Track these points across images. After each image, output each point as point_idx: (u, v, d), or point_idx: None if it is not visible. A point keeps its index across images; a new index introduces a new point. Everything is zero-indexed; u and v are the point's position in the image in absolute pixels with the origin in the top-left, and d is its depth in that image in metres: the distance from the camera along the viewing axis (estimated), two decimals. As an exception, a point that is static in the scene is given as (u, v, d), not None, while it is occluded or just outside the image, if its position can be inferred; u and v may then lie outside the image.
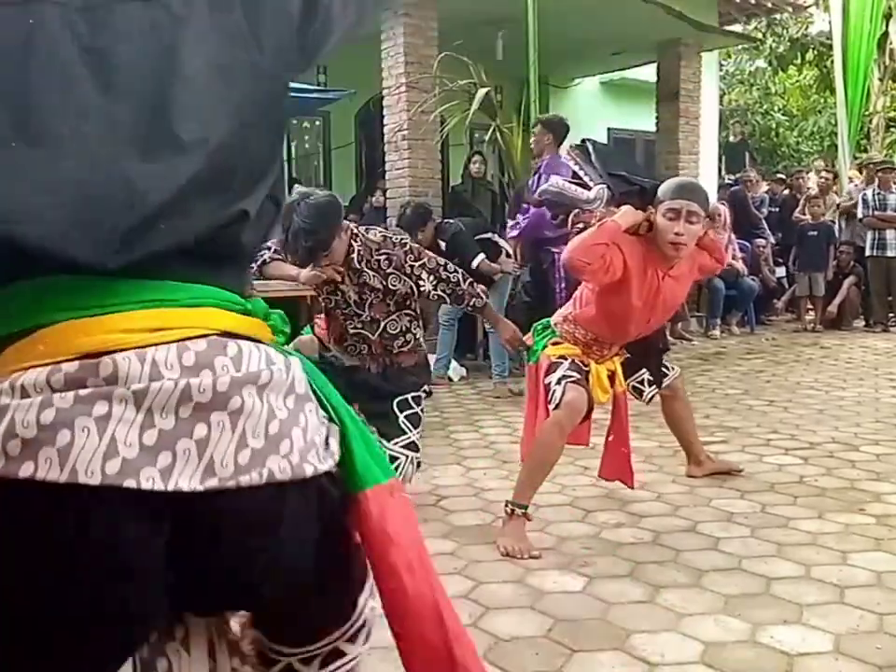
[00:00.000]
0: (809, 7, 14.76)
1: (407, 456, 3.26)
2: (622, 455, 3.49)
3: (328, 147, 10.45)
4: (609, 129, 12.42)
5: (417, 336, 3.36)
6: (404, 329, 3.29)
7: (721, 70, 15.65)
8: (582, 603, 2.53)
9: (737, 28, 12.83)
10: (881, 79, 15.02)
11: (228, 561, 0.90)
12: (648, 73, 10.64)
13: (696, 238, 3.09)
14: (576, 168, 3.44)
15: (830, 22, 12.94)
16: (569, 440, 3.27)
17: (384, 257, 3.16)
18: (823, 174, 10.67)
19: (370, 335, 3.27)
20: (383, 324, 3.25)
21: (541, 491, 3.59)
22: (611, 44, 9.79)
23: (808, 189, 10.49)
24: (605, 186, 3.31)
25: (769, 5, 11.16)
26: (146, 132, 0.86)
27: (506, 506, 3.09)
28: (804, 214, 9.76)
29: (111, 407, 0.80)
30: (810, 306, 9.63)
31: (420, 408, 3.38)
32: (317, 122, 10.39)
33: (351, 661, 1.16)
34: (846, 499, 3.46)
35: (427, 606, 1.10)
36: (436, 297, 3.26)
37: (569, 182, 3.50)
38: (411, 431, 3.29)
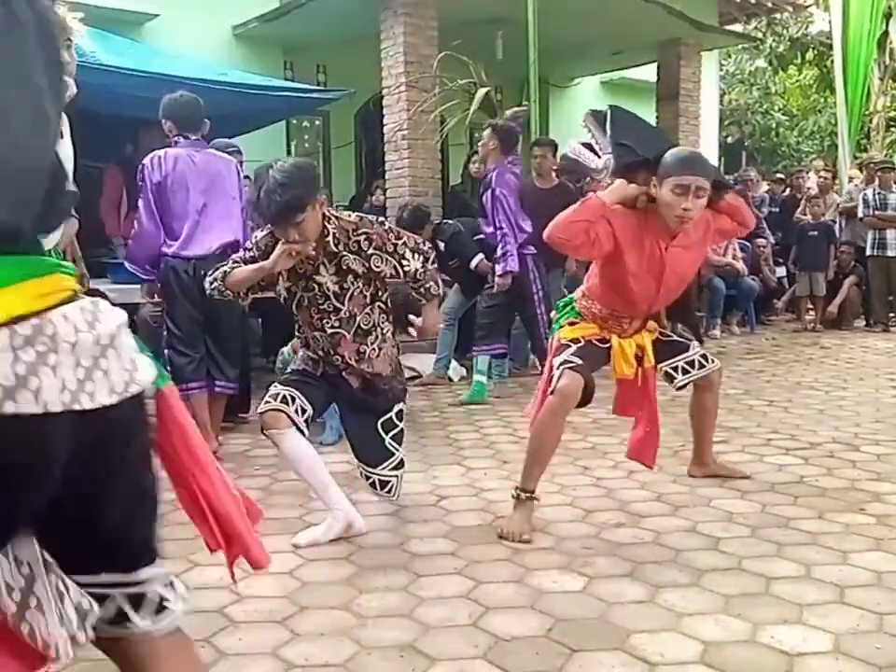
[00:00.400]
0: (809, 6, 14.78)
1: (398, 477, 3.28)
2: (647, 433, 3.50)
3: (327, 146, 10.46)
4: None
5: (386, 332, 3.23)
6: (375, 322, 3.16)
7: (721, 70, 15.65)
8: (582, 603, 2.53)
9: (737, 28, 12.85)
10: (881, 79, 15.02)
11: (105, 450, 1.20)
12: (648, 72, 10.64)
13: (702, 210, 3.08)
14: (589, 136, 3.40)
15: (830, 22, 12.94)
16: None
17: (363, 237, 3.02)
18: (822, 173, 10.67)
19: (346, 334, 3.13)
20: (358, 319, 3.13)
21: (541, 491, 3.60)
22: (611, 43, 9.79)
23: (808, 188, 10.49)
24: (611, 156, 3.28)
25: (769, 4, 11.17)
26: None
27: (514, 490, 3.19)
28: (804, 214, 9.76)
29: (58, 356, 1.08)
30: (810, 306, 9.63)
31: (403, 423, 3.34)
32: (317, 122, 10.39)
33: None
34: (846, 499, 3.46)
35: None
36: (421, 275, 3.11)
37: (586, 149, 3.44)
38: (397, 451, 3.28)
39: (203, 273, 4.38)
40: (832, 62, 13.27)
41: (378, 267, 3.04)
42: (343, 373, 3.21)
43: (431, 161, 7.96)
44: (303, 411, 3.10)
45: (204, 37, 8.57)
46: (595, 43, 9.53)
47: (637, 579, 2.69)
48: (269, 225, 3.03)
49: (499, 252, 5.56)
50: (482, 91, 7.33)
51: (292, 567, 2.83)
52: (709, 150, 12.02)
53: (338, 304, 3.09)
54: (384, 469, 3.26)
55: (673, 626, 2.36)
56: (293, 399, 3.10)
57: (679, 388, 3.59)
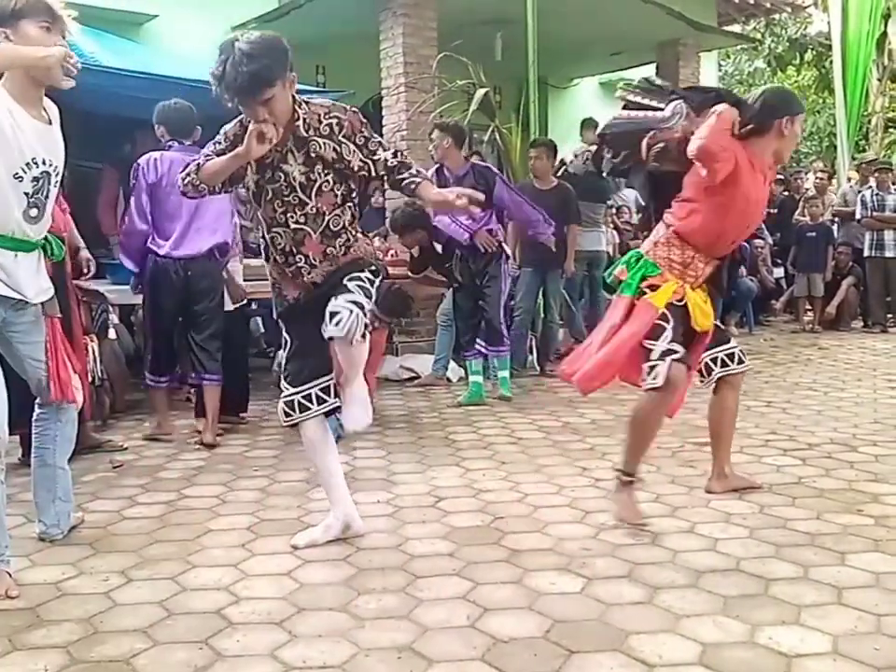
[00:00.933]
0: (808, 7, 14.78)
1: (350, 311, 2.74)
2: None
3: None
4: (607, 129, 12.40)
5: (357, 237, 2.97)
6: (346, 224, 2.91)
7: (719, 70, 15.66)
8: (581, 604, 2.53)
9: (736, 28, 12.85)
10: (880, 80, 15.03)
11: None
12: (647, 73, 10.62)
13: None
14: (637, 99, 3.38)
15: (829, 23, 12.95)
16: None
17: (334, 121, 2.82)
18: (819, 174, 10.67)
19: (311, 233, 2.86)
20: (326, 219, 2.86)
21: (539, 492, 3.61)
22: (610, 44, 9.79)
23: (807, 189, 10.50)
24: (681, 100, 3.26)
25: (768, 5, 11.18)
26: None
27: (615, 471, 3.37)
28: (802, 215, 9.76)
29: None
30: (809, 307, 9.63)
31: (374, 285, 2.92)
32: (316, 123, 10.36)
33: None
34: (844, 500, 3.46)
35: None
36: (393, 164, 2.84)
37: (637, 110, 3.37)
38: (356, 292, 2.81)
39: (190, 273, 4.47)
40: (830, 62, 13.28)
41: (348, 157, 2.82)
42: (306, 276, 2.92)
43: (430, 161, 7.93)
44: (321, 400, 2.98)
45: (203, 38, 8.51)
46: (593, 44, 9.53)
47: (635, 580, 2.69)
48: (235, 101, 2.73)
49: (535, 217, 5.78)
50: (480, 92, 7.33)
51: (290, 569, 2.82)
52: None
53: (304, 197, 2.83)
54: (338, 303, 2.76)
55: (671, 627, 2.36)
56: (308, 397, 2.97)
57: (706, 384, 3.61)
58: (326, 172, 2.83)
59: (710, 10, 10.20)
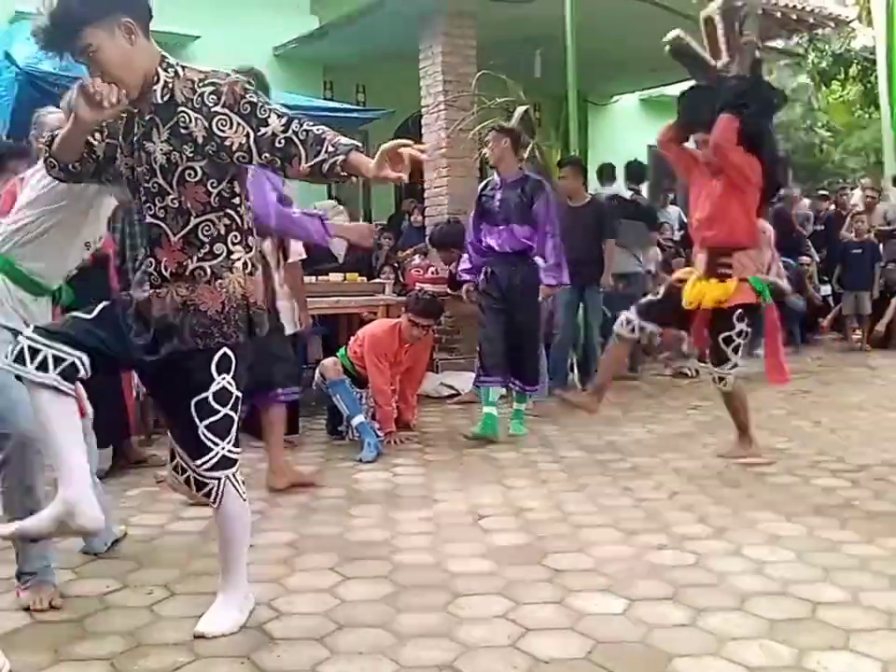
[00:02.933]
0: (852, 21, 14.57)
1: (220, 480, 2.39)
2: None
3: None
4: (648, 146, 12.32)
5: (235, 259, 2.33)
6: (220, 236, 2.31)
7: (762, 86, 15.49)
8: (624, 625, 2.49)
9: (779, 44, 12.71)
10: (927, 94, 14.77)
11: None
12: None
13: None
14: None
15: (874, 37, 12.78)
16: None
17: (209, 89, 2.25)
18: (869, 191, 10.50)
19: (168, 231, 2.30)
20: (194, 222, 2.29)
21: (582, 511, 3.58)
22: (650, 60, 9.69)
23: (853, 205, 10.33)
24: None
25: (811, 20, 11.04)
26: None
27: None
28: (849, 231, 9.61)
29: None
30: (856, 325, 9.46)
31: (230, 410, 2.37)
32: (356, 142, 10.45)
33: None
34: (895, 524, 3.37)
35: None
36: (284, 138, 2.21)
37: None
38: (217, 445, 2.36)
39: None
40: (875, 77, 13.10)
41: (222, 132, 2.23)
42: (152, 292, 2.35)
43: (470, 178, 7.97)
44: (58, 360, 2.20)
45: (245, 58, 8.59)
46: (634, 60, 9.50)
47: (679, 602, 2.64)
48: (54, 54, 2.28)
49: (552, 260, 5.15)
50: (520, 109, 7.31)
51: (331, 585, 2.82)
52: (751, 167, 11.89)
53: (164, 184, 2.27)
54: (200, 466, 2.37)
55: (716, 651, 2.31)
56: (38, 351, 2.21)
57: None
58: (193, 155, 2.26)
59: (752, 26, 10.11)
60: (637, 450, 4.72)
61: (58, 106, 3.79)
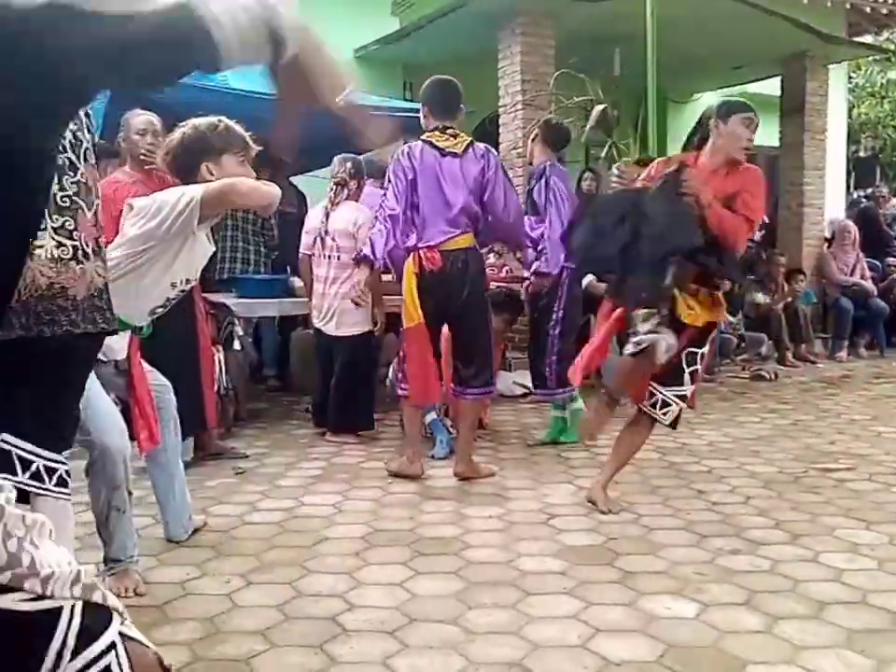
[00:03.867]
0: (947, 15, 14.05)
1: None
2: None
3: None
4: (729, 144, 12.12)
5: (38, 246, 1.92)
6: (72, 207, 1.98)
7: (849, 83, 15.05)
8: (696, 630, 2.47)
9: (868, 39, 12.33)
10: None
11: None
12: (771, 86, 10.34)
13: None
14: None
15: (969, 31, 12.29)
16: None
17: None
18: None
19: (84, 208, 2.01)
20: (93, 191, 2.06)
21: (654, 514, 3.55)
22: (733, 58, 9.57)
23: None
24: None
25: (903, 14, 10.68)
26: None
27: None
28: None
29: None
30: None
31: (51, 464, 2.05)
32: (434, 141, 10.51)
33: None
34: (983, 534, 3.26)
35: None
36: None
37: None
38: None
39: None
40: (970, 72, 12.60)
41: None
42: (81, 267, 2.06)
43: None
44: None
45: (327, 60, 8.82)
46: (715, 57, 9.34)
47: (753, 608, 2.61)
48: None
49: (539, 247, 4.84)
50: (598, 108, 7.28)
51: (402, 580, 2.86)
52: (836, 166, 11.58)
53: (73, 158, 1.99)
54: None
55: (791, 659, 2.27)
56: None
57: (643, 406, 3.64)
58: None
59: (840, 21, 9.82)
60: (712, 453, 4.65)
61: (145, 109, 3.93)
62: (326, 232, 4.95)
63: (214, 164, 2.80)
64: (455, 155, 4.22)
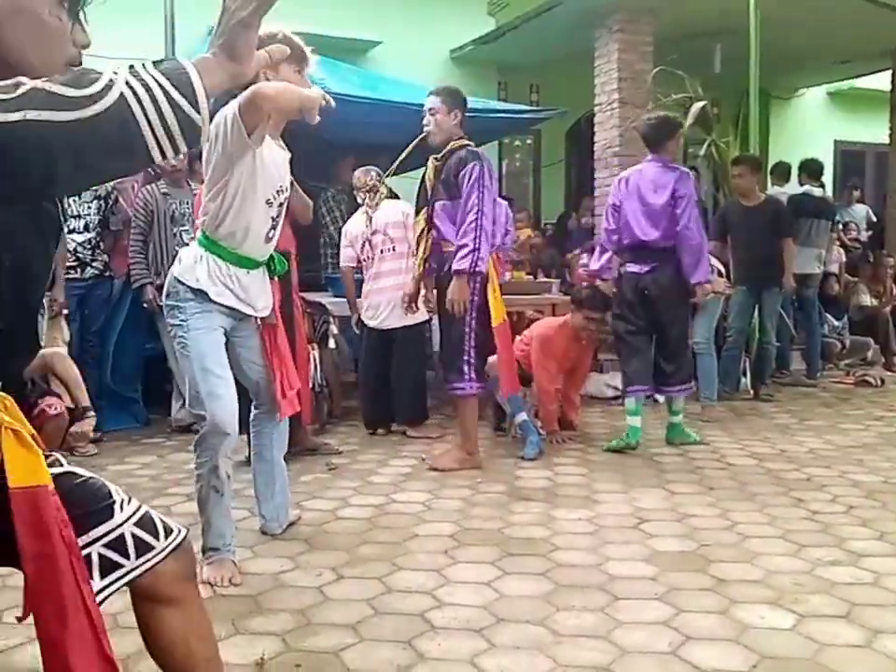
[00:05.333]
0: None
1: None
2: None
3: (538, 164, 10.54)
4: (835, 141, 11.72)
5: None
6: None
7: (967, 75, 14.33)
8: (792, 641, 2.40)
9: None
10: None
11: None
12: (881, 81, 9.94)
13: None
14: None
15: None
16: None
17: None
18: None
19: None
20: None
21: (750, 521, 3.46)
22: (839, 52, 9.25)
23: None
24: None
25: None
26: None
27: None
28: None
29: None
30: None
31: None
32: (528, 141, 10.51)
33: None
34: None
35: None
36: None
37: None
38: None
39: None
40: None
41: None
42: None
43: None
44: None
45: (423, 61, 8.91)
46: (820, 51, 9.04)
47: (853, 621, 2.52)
48: None
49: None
50: (697, 106, 7.12)
51: (490, 579, 2.87)
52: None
53: None
54: None
55: (893, 676, 2.19)
56: None
57: None
58: None
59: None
60: (812, 460, 4.50)
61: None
62: (373, 233, 5.09)
63: (271, 72, 2.79)
64: None
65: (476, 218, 4.11)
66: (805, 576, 2.88)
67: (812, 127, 11.45)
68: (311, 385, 4.77)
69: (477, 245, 4.10)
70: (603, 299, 4.98)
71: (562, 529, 3.39)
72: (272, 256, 3.04)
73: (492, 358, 4.89)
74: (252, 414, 3.24)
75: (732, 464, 4.46)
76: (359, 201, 5.31)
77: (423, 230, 4.41)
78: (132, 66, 1.13)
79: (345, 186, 6.30)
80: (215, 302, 2.85)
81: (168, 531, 1.49)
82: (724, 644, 2.38)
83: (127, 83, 1.09)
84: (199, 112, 1.12)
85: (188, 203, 5.18)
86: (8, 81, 1.08)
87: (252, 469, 3.31)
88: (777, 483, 4.05)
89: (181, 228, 5.21)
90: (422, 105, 4.33)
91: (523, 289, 6.36)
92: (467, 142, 4.27)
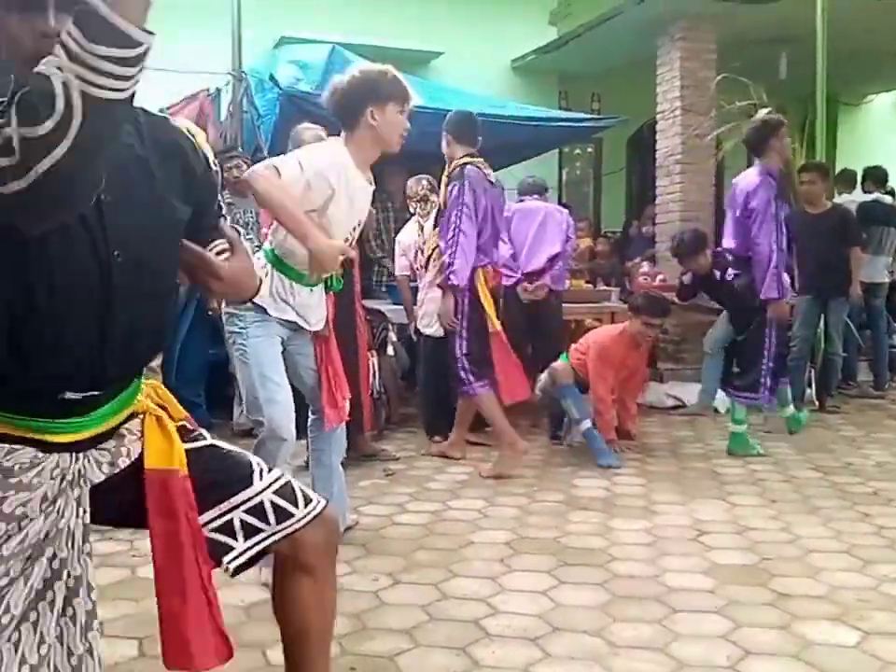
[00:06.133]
0: None
1: None
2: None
3: (598, 173, 10.49)
4: (906, 147, 11.41)
5: None
6: None
7: None
8: (855, 659, 2.34)
9: None
10: None
11: None
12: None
13: None
14: None
15: None
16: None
17: None
18: None
19: None
20: None
21: (813, 535, 3.40)
22: (909, 58, 9.02)
23: None
24: None
25: None
26: None
27: None
28: None
29: None
30: None
31: None
32: (589, 149, 10.46)
33: None
34: None
35: None
36: None
37: None
38: None
39: None
40: None
41: None
42: None
43: (705, 185, 7.75)
44: None
45: (485, 71, 8.94)
46: (891, 56, 8.82)
47: (921, 641, 2.45)
48: None
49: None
50: (762, 112, 7.02)
51: (546, 588, 2.86)
52: None
53: None
54: None
55: (963, 698, 2.12)
56: None
57: None
58: None
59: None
60: (880, 474, 4.39)
61: (314, 123, 4.09)
62: (425, 242, 5.10)
63: (378, 110, 2.85)
64: None
65: (453, 236, 4.39)
66: (871, 592, 2.81)
67: (881, 134, 11.18)
68: (370, 392, 4.81)
69: (451, 260, 4.35)
70: (661, 305, 4.94)
71: (619, 540, 3.36)
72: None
73: (557, 364, 4.87)
74: (310, 420, 3.28)
75: (795, 476, 4.37)
76: (411, 210, 5.35)
77: (435, 246, 4.64)
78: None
79: (389, 195, 6.35)
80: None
81: (307, 500, 1.60)
82: (785, 660, 2.34)
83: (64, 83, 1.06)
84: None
85: (251, 213, 5.27)
86: None
87: (310, 473, 3.35)
88: (843, 497, 3.96)
89: (245, 237, 5.31)
90: (482, 115, 4.39)
91: (582, 298, 6.33)
92: (466, 160, 4.44)
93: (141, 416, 1.52)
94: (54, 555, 1.39)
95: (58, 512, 1.39)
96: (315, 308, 3.01)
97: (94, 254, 1.33)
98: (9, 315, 1.30)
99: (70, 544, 1.40)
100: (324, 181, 2.80)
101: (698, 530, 3.48)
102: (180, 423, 1.58)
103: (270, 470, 1.60)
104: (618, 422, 5.06)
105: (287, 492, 1.59)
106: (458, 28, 8.73)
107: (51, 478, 1.38)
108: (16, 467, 1.35)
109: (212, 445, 1.60)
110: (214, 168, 1.60)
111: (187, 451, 1.52)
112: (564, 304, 5.77)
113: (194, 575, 1.47)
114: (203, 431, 1.63)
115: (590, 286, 6.91)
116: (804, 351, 6.19)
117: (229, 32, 6.45)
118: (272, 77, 5.92)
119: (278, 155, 4.44)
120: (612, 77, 8.94)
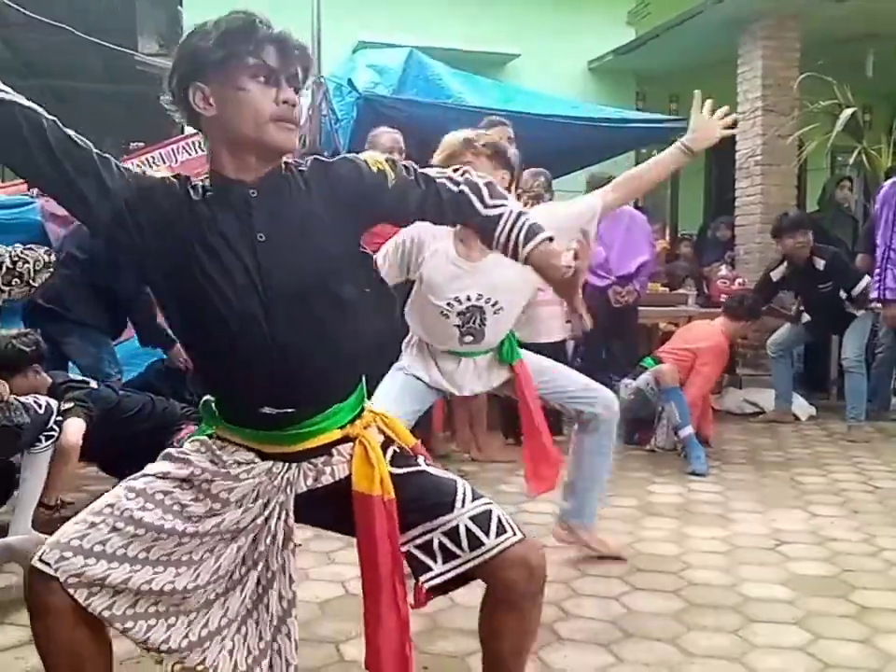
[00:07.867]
0: None
1: None
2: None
3: (676, 174, 10.33)
4: None
5: None
6: None
7: None
8: (942, 677, 2.27)
9: None
10: None
11: None
12: None
13: None
14: None
15: None
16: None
17: None
18: None
19: None
20: None
21: (891, 547, 3.28)
22: None
23: None
24: None
25: None
26: None
27: None
28: None
29: None
30: None
31: None
32: (667, 151, 10.29)
33: None
34: None
35: None
36: None
37: None
38: None
39: None
40: None
41: None
42: None
43: (787, 187, 7.58)
44: None
45: (561, 73, 8.90)
46: None
47: None
48: None
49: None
50: (846, 112, 6.82)
51: (618, 594, 2.83)
52: None
53: None
54: None
55: None
56: None
57: None
58: None
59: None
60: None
61: (391, 127, 4.14)
62: None
63: (476, 160, 2.70)
64: None
65: None
66: (959, 609, 2.71)
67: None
68: (443, 394, 4.83)
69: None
70: (756, 307, 4.90)
71: (695, 547, 3.31)
72: (502, 342, 2.96)
73: (664, 366, 4.80)
74: None
75: (879, 487, 4.24)
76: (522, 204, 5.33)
77: None
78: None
79: None
80: None
81: (500, 531, 1.62)
82: (867, 675, 2.28)
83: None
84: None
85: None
86: None
87: None
88: (926, 509, 3.83)
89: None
90: (558, 116, 4.37)
91: (658, 301, 6.26)
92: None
93: (353, 442, 1.66)
94: (255, 547, 1.62)
95: (259, 510, 1.61)
96: (468, 377, 2.98)
97: (254, 295, 1.55)
98: (198, 355, 1.68)
99: (269, 541, 1.61)
100: None
101: (776, 539, 3.41)
102: (400, 449, 1.72)
103: (474, 498, 1.65)
104: (696, 428, 4.98)
105: (482, 519, 1.62)
106: (535, 30, 8.71)
107: (260, 479, 1.61)
108: (231, 462, 1.63)
109: (422, 471, 1.70)
110: (391, 169, 1.65)
111: (395, 476, 1.63)
112: (639, 308, 5.71)
113: (390, 598, 1.60)
114: (421, 458, 1.73)
115: (666, 289, 6.81)
116: (889, 359, 6.00)
117: (308, 37, 6.57)
118: (350, 82, 6.01)
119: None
120: (691, 77, 8.79)
